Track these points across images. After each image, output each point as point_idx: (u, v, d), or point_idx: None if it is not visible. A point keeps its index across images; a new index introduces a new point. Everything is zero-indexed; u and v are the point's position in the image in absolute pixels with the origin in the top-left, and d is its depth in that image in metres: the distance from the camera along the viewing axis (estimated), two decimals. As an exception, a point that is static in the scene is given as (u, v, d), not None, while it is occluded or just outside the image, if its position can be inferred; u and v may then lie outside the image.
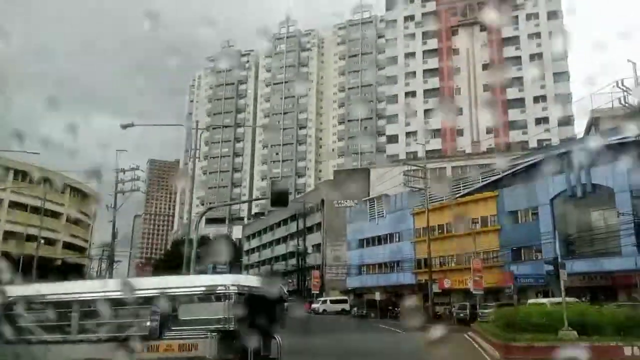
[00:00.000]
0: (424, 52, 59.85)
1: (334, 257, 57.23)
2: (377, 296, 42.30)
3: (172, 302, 7.02)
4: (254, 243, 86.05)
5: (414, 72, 59.45)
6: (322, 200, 59.82)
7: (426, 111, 58.11)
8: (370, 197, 50.66)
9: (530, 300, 28.09)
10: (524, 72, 55.50)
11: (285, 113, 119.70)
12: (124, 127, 19.27)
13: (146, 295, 7.23)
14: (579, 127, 51.53)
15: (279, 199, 18.21)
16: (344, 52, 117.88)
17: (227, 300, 6.86)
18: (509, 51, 56.44)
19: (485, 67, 57.23)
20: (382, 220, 48.18)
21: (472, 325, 21.78)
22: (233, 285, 7.06)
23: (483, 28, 58.12)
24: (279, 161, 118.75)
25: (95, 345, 7.10)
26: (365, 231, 49.95)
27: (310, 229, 61.70)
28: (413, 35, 60.61)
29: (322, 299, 50.85)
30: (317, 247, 62.12)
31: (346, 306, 48.84)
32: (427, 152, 57.06)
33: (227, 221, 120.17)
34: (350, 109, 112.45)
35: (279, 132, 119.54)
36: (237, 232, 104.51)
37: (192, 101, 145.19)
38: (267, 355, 7.69)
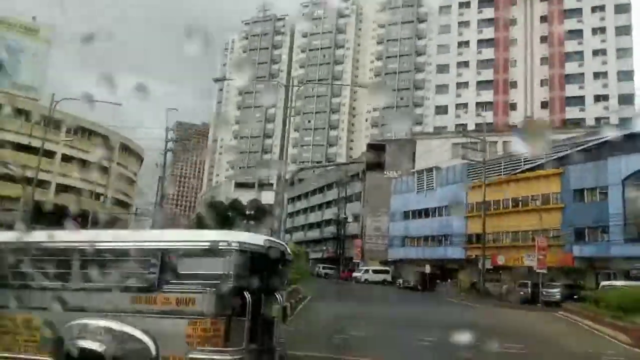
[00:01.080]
0: (479, 21, 57.48)
1: (375, 227, 56.55)
2: (427, 269, 41.58)
3: (173, 255, 6.94)
4: (288, 209, 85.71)
5: (468, 42, 57.22)
6: (364, 170, 58.73)
7: (479, 83, 56.14)
8: (420, 169, 49.37)
9: (604, 283, 27.06)
10: (585, 46, 52.96)
11: (319, 80, 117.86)
12: (216, 80, 18.34)
13: (146, 247, 7.15)
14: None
15: (376, 161, 17.28)
16: (383, 20, 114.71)
17: (227, 257, 6.71)
18: (571, 24, 53.79)
19: (543, 39, 54.76)
20: (431, 192, 47.10)
21: (563, 305, 20.78)
22: (235, 242, 6.87)
23: (543, -2, 55.41)
24: (311, 129, 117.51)
25: (93, 293, 7.10)
26: (412, 203, 49.01)
27: (349, 198, 60.90)
28: (468, 4, 58.12)
29: (364, 267, 50.43)
30: (356, 217, 61.46)
31: (388, 277, 48.40)
32: (476, 125, 55.57)
33: (255, 186, 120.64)
34: (386, 78, 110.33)
35: (313, 99, 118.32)
36: (267, 198, 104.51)
37: (224, 65, 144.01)
38: (268, 313, 7.57)
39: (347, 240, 57.67)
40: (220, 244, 6.79)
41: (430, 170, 47.80)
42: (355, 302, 19.62)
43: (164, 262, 6.88)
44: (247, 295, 6.71)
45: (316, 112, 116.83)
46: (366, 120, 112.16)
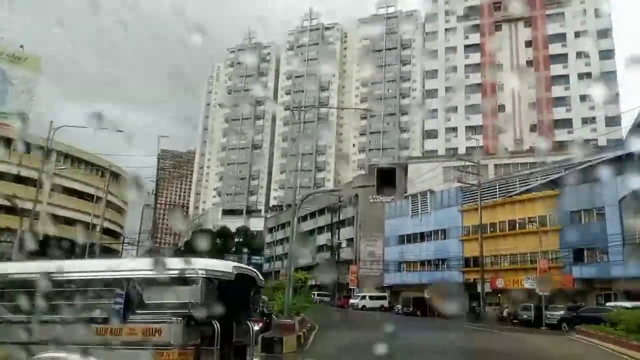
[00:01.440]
0: (465, 46, 58.55)
1: (369, 252, 56.13)
2: (427, 294, 41.14)
3: (138, 285, 6.77)
4: (279, 235, 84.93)
5: (455, 67, 58.17)
6: (357, 195, 58.63)
7: (467, 107, 56.87)
8: (414, 192, 49.37)
9: (610, 304, 26.97)
10: (570, 69, 54.15)
11: (306, 107, 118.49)
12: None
13: (111, 277, 6.95)
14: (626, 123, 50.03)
15: (386, 182, 16.93)
16: (367, 47, 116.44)
17: (194, 285, 6.56)
18: (555, 49, 55.09)
19: (529, 63, 55.91)
20: (426, 216, 47.04)
21: (577, 328, 20.51)
22: (201, 269, 6.71)
23: (527, 24, 56.76)
24: (299, 154, 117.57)
25: (58, 326, 6.86)
26: (406, 227, 48.84)
27: (341, 223, 60.63)
28: (454, 30, 59.27)
29: (360, 294, 49.79)
30: (349, 241, 61.07)
31: (385, 302, 47.80)
32: (467, 148, 56.11)
33: (244, 213, 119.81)
34: (372, 104, 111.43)
35: (299, 125, 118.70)
36: (255, 224, 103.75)
37: (210, 92, 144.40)
38: (239, 341, 7.49)
39: (340, 266, 57.07)
40: (187, 271, 6.61)
41: (424, 193, 47.83)
42: (365, 330, 19.09)
43: (129, 292, 6.68)
44: (215, 323, 6.54)
45: (304, 138, 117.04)
46: (353, 146, 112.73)
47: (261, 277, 8.15)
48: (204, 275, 6.59)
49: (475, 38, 58.63)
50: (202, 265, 6.82)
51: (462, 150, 55.27)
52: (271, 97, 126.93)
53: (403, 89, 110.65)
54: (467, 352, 15.35)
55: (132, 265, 7.52)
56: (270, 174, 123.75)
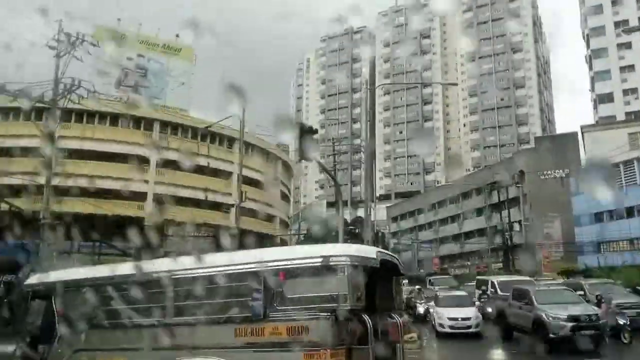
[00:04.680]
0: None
1: (545, 234, 50.50)
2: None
3: (278, 277, 5.92)
4: (405, 224, 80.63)
5: (627, 21, 51.10)
6: (521, 171, 53.04)
7: (647, 64, 49.93)
8: (617, 162, 43.22)
9: None
10: None
11: (408, 89, 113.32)
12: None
13: (246, 270, 6.13)
14: None
15: None
16: (470, 19, 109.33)
17: (341, 274, 5.70)
18: None
19: None
20: (635, 188, 40.94)
21: None
22: (346, 255, 5.83)
23: None
24: (404, 140, 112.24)
25: (191, 328, 6.17)
26: (606, 203, 42.79)
27: (500, 205, 54.83)
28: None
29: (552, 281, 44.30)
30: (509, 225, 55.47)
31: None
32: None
33: (348, 204, 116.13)
34: (481, 80, 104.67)
35: (403, 109, 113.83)
36: (378, 215, 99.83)
37: (300, 85, 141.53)
38: (387, 338, 6.43)
39: (511, 251, 51.72)
40: (332, 259, 5.81)
41: (629, 162, 41.64)
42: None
43: (268, 286, 5.92)
44: (366, 318, 5.73)
45: (407, 122, 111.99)
46: (464, 126, 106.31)
47: (402, 264, 7.36)
48: (349, 263, 5.76)
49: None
50: (346, 250, 6.09)
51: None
52: (367, 82, 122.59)
53: (515, 61, 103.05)
54: None
55: (268, 256, 6.54)
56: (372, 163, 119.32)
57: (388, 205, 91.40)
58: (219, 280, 6.20)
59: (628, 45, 51.39)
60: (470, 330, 14.62)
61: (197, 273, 6.39)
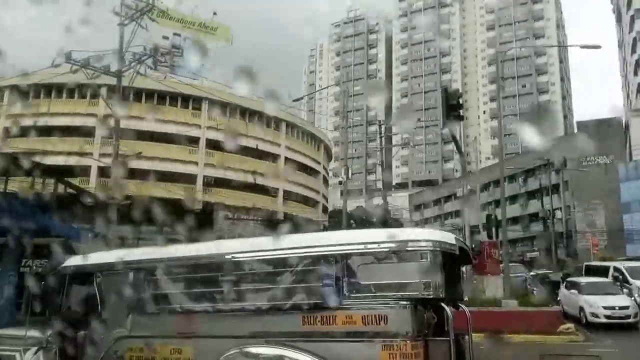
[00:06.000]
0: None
1: (589, 222, 49.10)
2: None
3: (353, 261, 5.47)
4: (429, 213, 79.18)
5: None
6: (564, 158, 51.35)
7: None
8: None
9: None
10: None
11: (426, 75, 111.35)
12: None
13: (318, 253, 5.61)
14: None
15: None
16: (492, 5, 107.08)
17: (422, 260, 5.29)
18: None
19: None
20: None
21: None
22: (428, 240, 5.40)
23: None
24: (422, 127, 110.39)
25: (256, 317, 5.66)
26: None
27: (543, 192, 53.17)
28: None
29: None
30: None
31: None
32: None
33: (364, 192, 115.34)
34: (502, 66, 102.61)
35: (420, 95, 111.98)
36: (393, 202, 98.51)
37: (312, 72, 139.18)
38: (457, 330, 5.63)
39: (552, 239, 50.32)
40: (411, 244, 5.39)
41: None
42: None
43: (342, 271, 5.43)
44: (447, 308, 5.41)
45: (426, 109, 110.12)
46: (484, 113, 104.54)
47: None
48: (432, 248, 5.32)
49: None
50: (428, 235, 5.63)
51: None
52: (382, 69, 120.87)
53: (537, 49, 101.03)
54: None
55: (343, 238, 6.10)
56: (390, 150, 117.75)
57: (410, 193, 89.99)
58: (285, 264, 5.76)
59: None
60: (630, 320, 13.25)
61: (259, 256, 5.95)
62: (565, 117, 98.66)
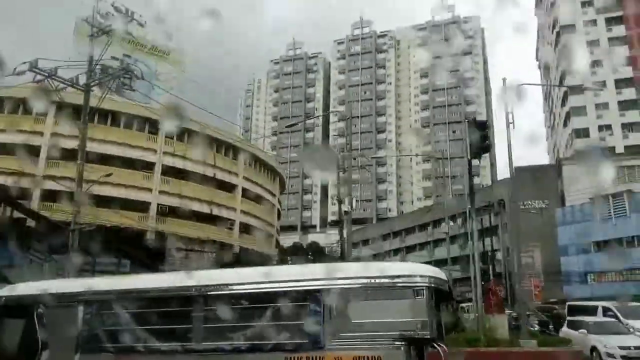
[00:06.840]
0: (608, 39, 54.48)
1: (525, 264, 50.86)
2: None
3: (341, 298, 5.12)
4: (367, 251, 79.34)
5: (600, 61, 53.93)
6: (501, 200, 53.54)
7: (620, 103, 52.58)
8: (604, 194, 44.47)
9: None
10: None
11: (362, 116, 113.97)
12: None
13: (302, 287, 5.22)
14: None
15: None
16: (423, 55, 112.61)
17: (417, 297, 5.00)
18: None
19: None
20: (623, 220, 42.08)
21: None
22: (424, 276, 5.16)
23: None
24: (357, 167, 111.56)
25: (231, 357, 5.19)
26: (593, 234, 43.76)
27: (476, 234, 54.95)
28: (594, 22, 55.16)
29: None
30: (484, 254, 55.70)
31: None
32: (625, 147, 51.67)
33: (298, 229, 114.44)
34: (434, 112, 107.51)
35: (357, 136, 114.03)
36: (324, 239, 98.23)
37: (248, 106, 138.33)
38: None
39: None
40: (404, 279, 5.07)
41: (618, 195, 42.89)
42: None
43: (329, 308, 5.05)
44: (442, 348, 5.07)
45: (361, 149, 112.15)
46: (416, 164, 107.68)
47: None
48: (427, 284, 5.05)
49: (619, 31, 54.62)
50: (422, 270, 5.33)
51: (620, 150, 50.81)
52: (320, 108, 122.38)
53: (468, 96, 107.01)
54: None
55: (330, 272, 5.63)
56: (325, 187, 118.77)
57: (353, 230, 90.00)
58: (266, 298, 5.25)
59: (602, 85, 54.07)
60: (643, 360, 13.21)
61: (236, 289, 5.39)
62: (492, 165, 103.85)
